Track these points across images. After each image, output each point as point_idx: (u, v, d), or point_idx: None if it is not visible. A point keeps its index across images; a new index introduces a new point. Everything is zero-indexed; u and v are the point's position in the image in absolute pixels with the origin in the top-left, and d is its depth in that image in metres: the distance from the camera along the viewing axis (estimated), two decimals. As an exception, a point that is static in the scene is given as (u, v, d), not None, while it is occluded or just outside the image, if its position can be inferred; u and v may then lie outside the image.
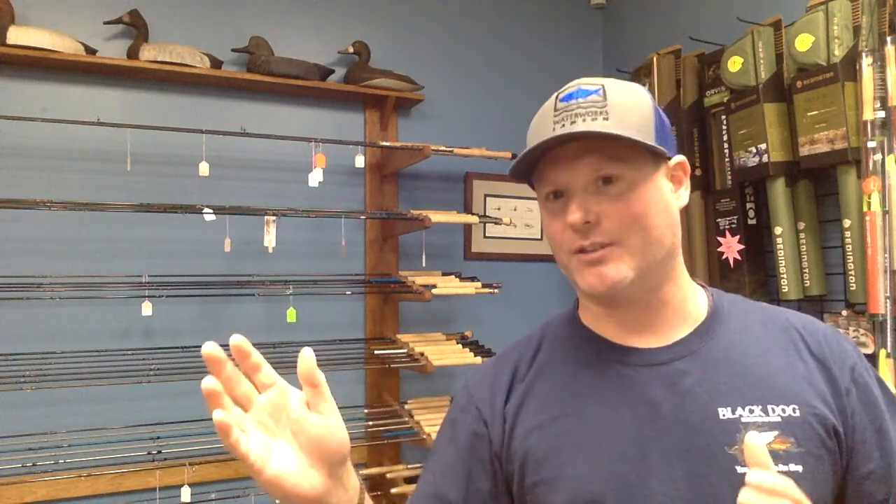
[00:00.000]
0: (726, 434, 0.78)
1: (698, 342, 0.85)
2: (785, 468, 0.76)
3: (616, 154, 0.80)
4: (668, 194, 0.83)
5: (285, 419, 0.68)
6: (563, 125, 0.80)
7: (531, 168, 0.85)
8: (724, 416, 0.79)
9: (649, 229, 0.81)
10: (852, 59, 1.86)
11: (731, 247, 2.21)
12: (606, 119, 0.79)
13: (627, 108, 0.81)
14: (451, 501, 0.87)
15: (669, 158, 0.84)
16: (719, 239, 2.25)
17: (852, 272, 1.88)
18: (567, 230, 0.82)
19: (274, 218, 2.26)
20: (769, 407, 0.79)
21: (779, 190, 2.06)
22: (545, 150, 0.81)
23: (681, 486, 0.77)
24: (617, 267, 0.80)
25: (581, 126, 0.79)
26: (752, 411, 0.79)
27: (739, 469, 0.76)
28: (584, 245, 0.81)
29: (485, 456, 0.88)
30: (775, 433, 0.78)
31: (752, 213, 2.21)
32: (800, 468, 0.77)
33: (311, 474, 0.67)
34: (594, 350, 0.88)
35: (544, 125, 0.82)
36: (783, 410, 0.79)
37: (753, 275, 2.19)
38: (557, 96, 0.84)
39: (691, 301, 0.88)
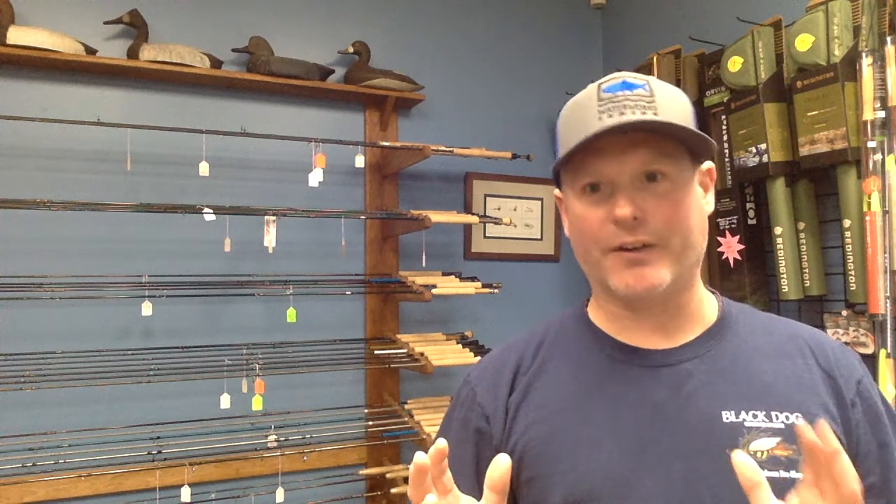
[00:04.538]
0: (728, 437, 0.78)
1: (706, 345, 0.85)
2: (787, 474, 0.76)
3: (665, 151, 0.78)
4: (701, 198, 0.83)
5: None
6: (612, 115, 0.77)
7: (566, 158, 0.80)
8: (727, 419, 0.79)
9: (690, 232, 0.80)
10: (852, 59, 1.86)
11: (731, 247, 2.21)
12: (656, 114, 0.77)
13: (673, 105, 0.80)
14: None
15: (702, 161, 0.84)
16: (719, 239, 2.25)
17: (852, 272, 1.88)
18: (607, 225, 0.79)
19: (274, 218, 2.26)
20: (773, 413, 0.79)
21: (779, 190, 2.06)
22: (589, 141, 0.77)
23: (679, 487, 0.77)
24: (657, 270, 0.78)
25: (633, 118, 0.76)
26: (755, 416, 0.79)
27: None
28: (626, 242, 0.78)
29: (488, 454, 0.87)
30: (778, 439, 0.78)
31: (752, 213, 2.21)
32: (800, 476, 0.77)
33: None
34: (601, 348, 0.87)
35: (587, 115, 0.79)
36: (787, 417, 0.79)
37: (753, 275, 2.19)
38: (599, 86, 0.80)
39: (704, 306, 0.88)
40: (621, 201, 0.77)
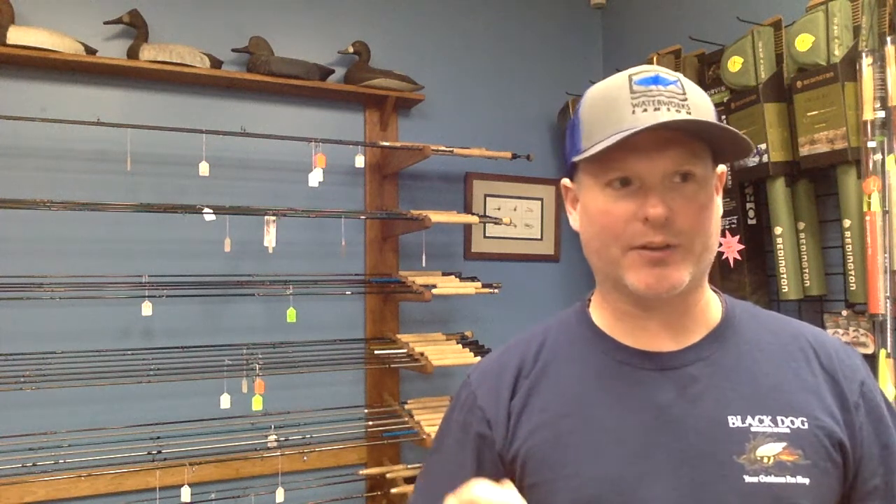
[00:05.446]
0: (735, 442, 0.77)
1: (710, 348, 0.84)
2: (793, 480, 0.76)
3: (695, 151, 0.78)
4: (717, 201, 0.83)
5: None
6: (646, 110, 0.76)
7: (601, 153, 0.77)
8: (733, 424, 0.78)
9: (710, 235, 0.80)
10: (852, 59, 1.86)
11: (731, 247, 2.21)
12: (689, 113, 0.77)
13: (703, 106, 0.79)
14: None
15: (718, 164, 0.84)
16: (719, 239, 2.25)
17: (852, 272, 1.88)
18: (633, 223, 0.78)
19: (274, 218, 2.26)
20: (779, 418, 0.79)
21: (779, 190, 2.06)
22: (633, 135, 0.75)
23: (684, 493, 0.77)
24: (679, 271, 0.78)
25: (666, 115, 0.76)
26: (761, 421, 0.78)
27: (747, 478, 0.76)
28: (653, 242, 0.77)
29: (490, 457, 0.86)
30: (784, 444, 0.77)
31: (752, 213, 2.21)
32: (806, 481, 0.76)
33: None
34: (604, 351, 0.86)
35: (619, 107, 0.78)
36: (792, 422, 0.78)
37: (753, 275, 2.19)
38: (630, 78, 0.79)
39: (710, 307, 0.87)
40: (654, 200, 0.76)
